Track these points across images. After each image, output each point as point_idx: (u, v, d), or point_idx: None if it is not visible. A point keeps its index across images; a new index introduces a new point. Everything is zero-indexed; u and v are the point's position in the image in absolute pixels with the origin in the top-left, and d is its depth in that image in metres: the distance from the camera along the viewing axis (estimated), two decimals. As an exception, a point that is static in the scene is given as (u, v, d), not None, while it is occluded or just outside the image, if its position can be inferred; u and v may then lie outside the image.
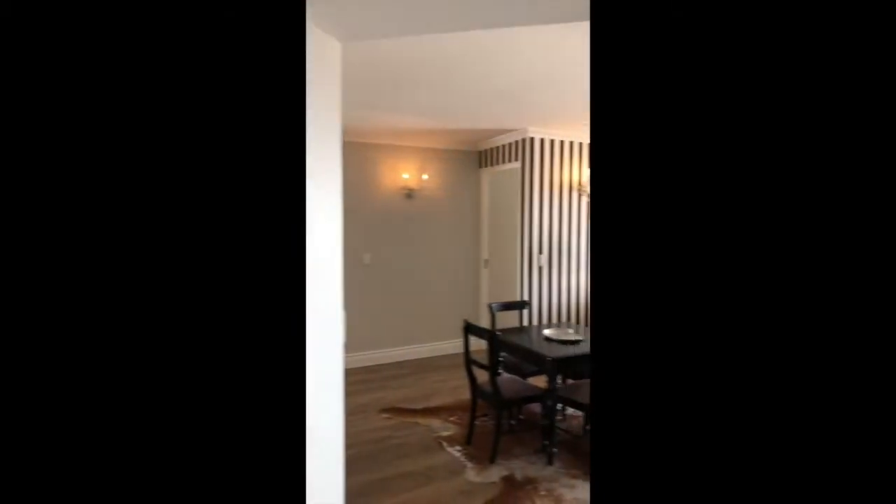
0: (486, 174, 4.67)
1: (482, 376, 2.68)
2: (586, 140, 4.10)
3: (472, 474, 2.45)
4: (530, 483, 2.36)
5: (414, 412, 3.26)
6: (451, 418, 3.15)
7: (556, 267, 4.08)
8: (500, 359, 2.99)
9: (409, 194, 4.37)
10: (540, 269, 4.00)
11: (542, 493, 2.28)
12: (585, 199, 4.15)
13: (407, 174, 4.34)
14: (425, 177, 4.42)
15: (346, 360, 3.92)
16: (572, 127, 3.81)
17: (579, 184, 4.10)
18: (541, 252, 3.99)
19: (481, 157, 4.66)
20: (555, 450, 2.59)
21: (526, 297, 3.93)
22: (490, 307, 3.32)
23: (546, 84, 2.64)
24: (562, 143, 4.00)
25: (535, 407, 3.08)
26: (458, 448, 2.72)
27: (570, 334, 2.87)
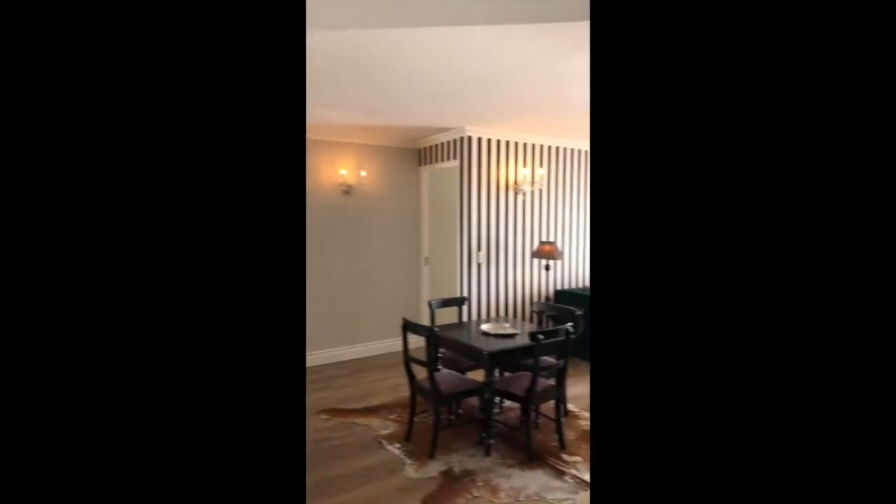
0: (426, 172, 4.68)
1: (421, 373, 2.70)
2: (522, 139, 4.22)
3: (411, 471, 2.46)
4: (468, 475, 2.40)
5: (353, 412, 3.23)
6: (391, 416, 3.14)
7: (493, 263, 4.18)
8: (439, 355, 3.02)
9: (347, 191, 4.29)
10: (479, 265, 4.08)
11: (480, 483, 2.33)
12: (521, 198, 4.28)
13: (345, 170, 4.26)
14: (364, 173, 4.36)
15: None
16: (509, 126, 3.90)
17: (515, 182, 4.21)
18: (479, 249, 4.07)
19: (420, 154, 4.67)
20: (492, 442, 2.66)
21: (465, 294, 3.99)
22: (430, 304, 3.34)
23: (483, 84, 2.69)
24: (498, 142, 4.10)
25: (474, 401, 3.14)
26: (398, 446, 2.73)
27: (507, 328, 2.96)
